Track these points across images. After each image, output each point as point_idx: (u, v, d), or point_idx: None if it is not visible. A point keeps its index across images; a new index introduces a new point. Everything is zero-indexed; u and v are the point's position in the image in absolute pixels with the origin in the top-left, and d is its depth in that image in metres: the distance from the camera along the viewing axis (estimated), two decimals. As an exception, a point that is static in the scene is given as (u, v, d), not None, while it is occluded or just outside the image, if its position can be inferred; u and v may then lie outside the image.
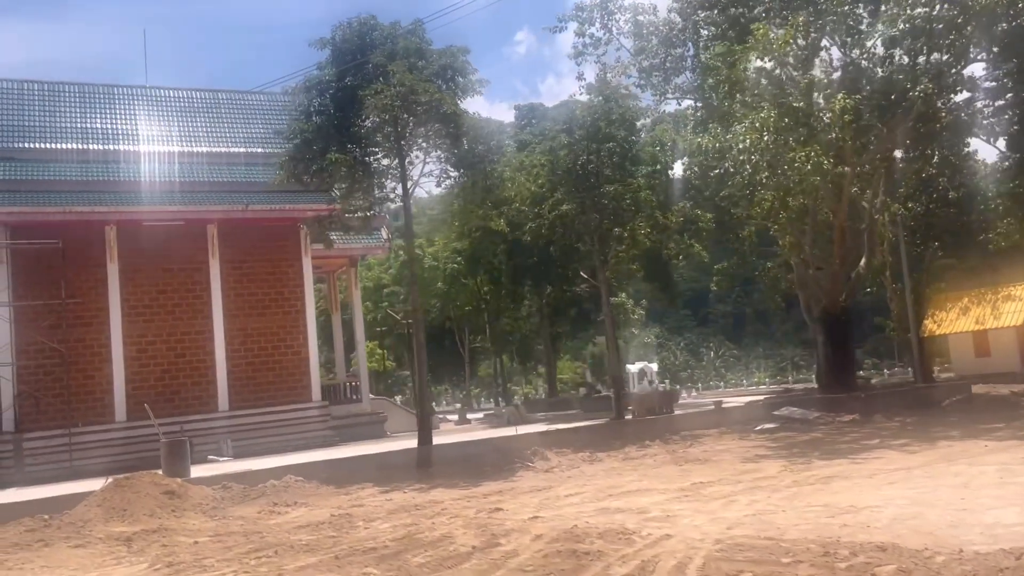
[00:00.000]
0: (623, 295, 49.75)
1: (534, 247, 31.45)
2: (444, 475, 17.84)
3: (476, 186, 20.18)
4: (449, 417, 37.88)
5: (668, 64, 27.75)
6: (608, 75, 27.37)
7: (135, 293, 27.42)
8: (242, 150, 30.22)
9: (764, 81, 20.38)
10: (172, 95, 31.29)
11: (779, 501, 11.30)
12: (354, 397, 31.67)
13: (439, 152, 19.69)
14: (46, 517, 15.48)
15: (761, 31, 19.73)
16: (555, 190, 22.40)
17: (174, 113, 30.59)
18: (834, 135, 18.60)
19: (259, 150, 30.54)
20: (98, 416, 26.45)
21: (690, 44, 28.49)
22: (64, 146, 28.03)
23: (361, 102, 19.56)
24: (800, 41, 20.18)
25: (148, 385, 27.23)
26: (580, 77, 28.54)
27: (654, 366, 49.88)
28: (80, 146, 28.12)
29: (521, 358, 59.88)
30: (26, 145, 27.59)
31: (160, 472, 16.12)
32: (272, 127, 31.75)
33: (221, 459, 25.26)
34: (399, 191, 21.15)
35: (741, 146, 18.07)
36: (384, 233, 32.05)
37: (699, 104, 27.16)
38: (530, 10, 67.52)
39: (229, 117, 31.25)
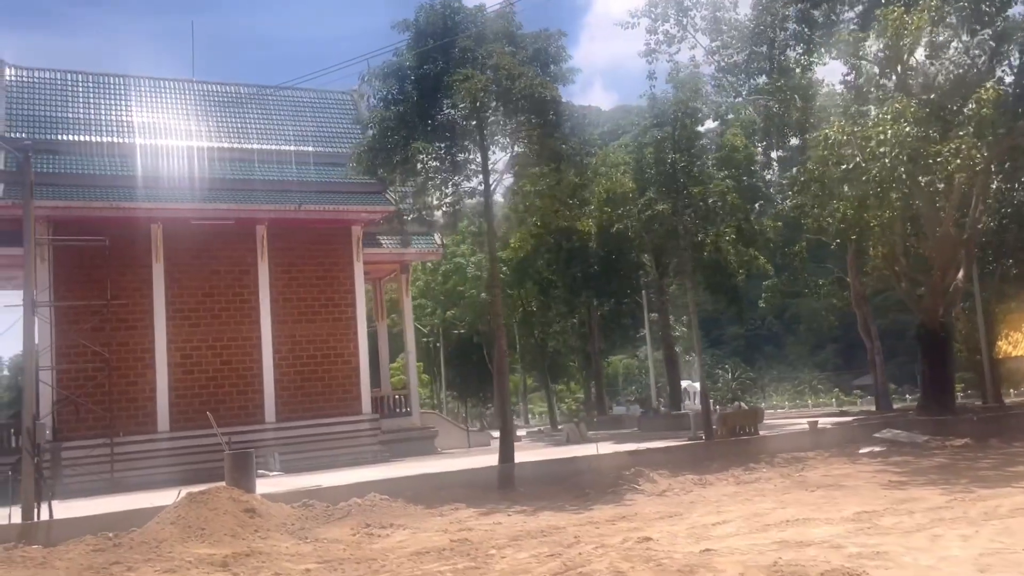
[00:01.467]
0: (661, 311, 48.13)
1: (594, 256, 29.91)
2: (537, 496, 16.20)
3: (562, 182, 18.59)
4: (495, 435, 36.08)
5: (748, 63, 26.29)
6: (681, 74, 25.90)
7: (180, 295, 25.89)
8: (291, 148, 28.76)
9: (888, 70, 18.85)
10: (219, 90, 29.92)
11: (1001, 537, 9.64)
12: (403, 410, 29.98)
13: (529, 144, 18.11)
14: (111, 535, 13.84)
15: (895, 14, 18.25)
16: (645, 189, 20.82)
17: (221, 108, 29.19)
18: (971, 129, 17.04)
19: (309, 148, 29.14)
20: (140, 425, 24.82)
21: (767, 45, 27.05)
22: (108, 139, 26.58)
23: (446, 89, 18.09)
24: (929, 28, 18.66)
25: (192, 393, 25.63)
26: (651, 76, 27.09)
27: (697, 385, 48.49)
28: (124, 140, 26.66)
29: (552, 375, 58.03)
30: (69, 138, 26.17)
31: (233, 487, 14.48)
32: (322, 125, 30.44)
33: (271, 474, 23.59)
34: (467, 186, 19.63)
35: (881, 137, 16.54)
36: (437, 238, 30.52)
37: (776, 106, 25.61)
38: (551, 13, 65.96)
39: (278, 113, 29.82)
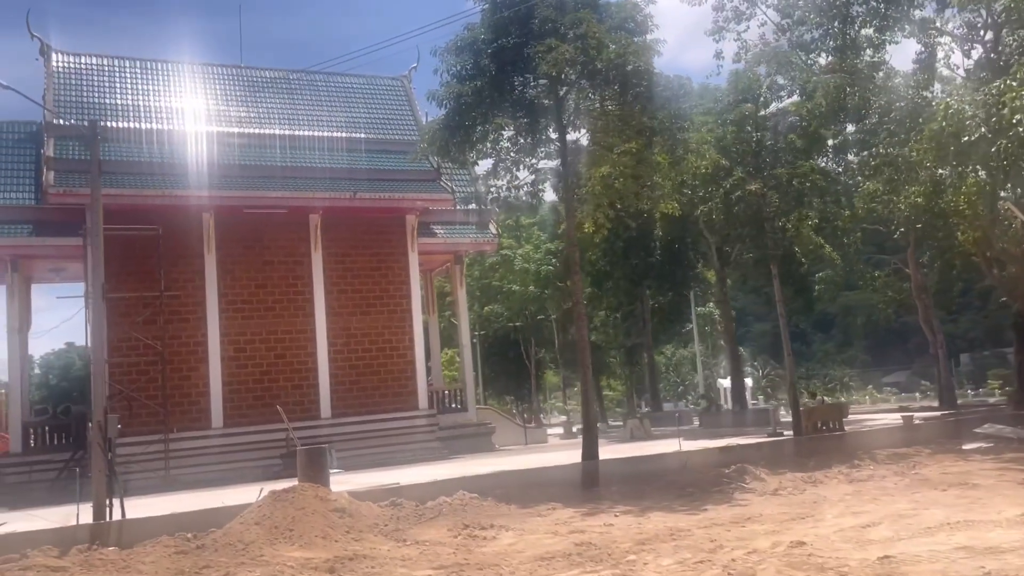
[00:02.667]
0: (710, 304, 46.80)
1: (657, 245, 28.71)
2: (633, 495, 15.09)
3: (644, 161, 17.36)
4: (551, 431, 35.03)
5: (820, 41, 25.01)
6: (749, 53, 24.66)
7: (233, 287, 25.01)
8: (343, 135, 27.75)
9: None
10: (268, 75, 28.98)
11: None
12: (458, 406, 28.93)
13: (615, 119, 16.95)
14: (189, 536, 12.89)
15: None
16: (731, 169, 19.58)
17: (271, 94, 28.27)
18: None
19: (361, 135, 28.14)
20: (192, 421, 23.96)
21: (839, 21, 25.75)
22: (156, 126, 25.69)
23: (526, 62, 17.01)
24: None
25: (246, 388, 24.74)
26: (718, 55, 25.91)
27: (748, 380, 47.11)
28: (173, 127, 25.75)
29: (593, 371, 56.74)
30: (117, 124, 25.30)
31: (318, 485, 13.48)
32: (373, 111, 29.45)
33: (332, 471, 22.59)
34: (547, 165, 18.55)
35: (1017, 103, 15.25)
36: (492, 228, 29.44)
37: (847, 87, 24.25)
38: None
39: (328, 100, 28.88)
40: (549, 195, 23.90)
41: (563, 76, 16.46)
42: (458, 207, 28.30)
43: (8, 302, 23.95)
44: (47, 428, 24.22)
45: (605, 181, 17.71)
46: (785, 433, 22.24)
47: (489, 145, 17.53)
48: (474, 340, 54.76)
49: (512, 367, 57.95)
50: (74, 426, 24.40)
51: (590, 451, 17.58)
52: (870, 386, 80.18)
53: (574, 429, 32.33)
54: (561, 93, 17.48)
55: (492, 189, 18.18)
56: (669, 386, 60.09)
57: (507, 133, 16.83)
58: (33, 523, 14.33)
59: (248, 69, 28.79)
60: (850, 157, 27.32)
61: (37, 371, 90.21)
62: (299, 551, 11.37)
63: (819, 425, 21.77)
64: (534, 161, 18.39)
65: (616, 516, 13.05)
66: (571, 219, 18.28)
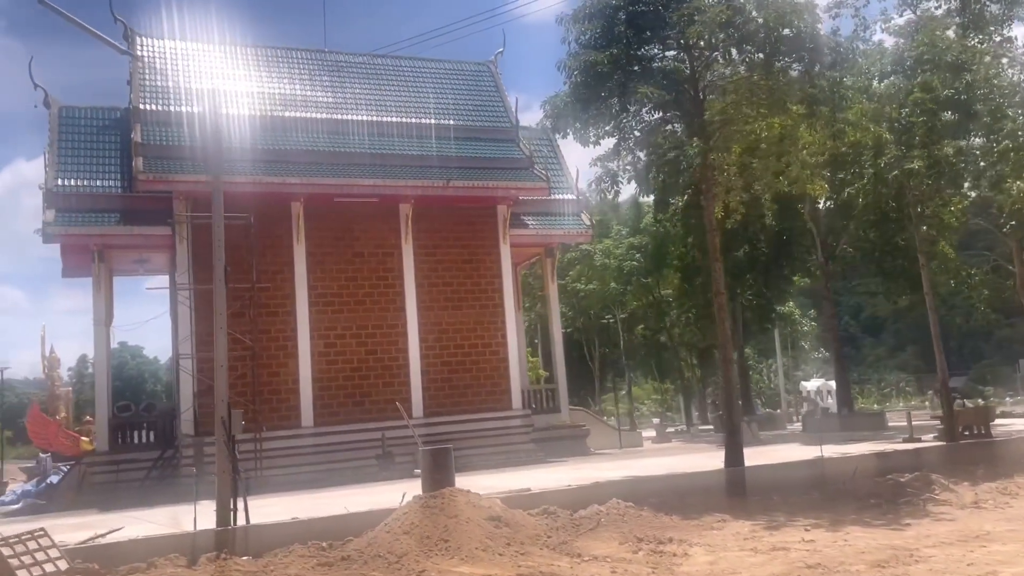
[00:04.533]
0: (790, 304, 44.70)
1: (758, 239, 26.98)
2: (804, 506, 13.58)
3: (786, 137, 15.70)
4: (646, 434, 33.40)
5: (944, 17, 23.03)
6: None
7: (323, 279, 23.85)
8: (431, 121, 26.47)
9: None
10: (353, 60, 27.82)
11: None
12: (551, 406, 27.44)
13: (764, 89, 15.33)
14: (324, 545, 11.57)
15: None
16: (882, 145, 17.74)
17: (356, 79, 27.12)
18: None
19: (449, 121, 26.85)
20: (283, 420, 22.81)
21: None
22: (243, 112, 24.62)
23: (663, 27, 15.53)
24: None
25: (336, 385, 23.55)
26: (835, 32, 23.97)
27: (832, 383, 44.88)
28: (258, 112, 24.68)
29: (660, 373, 54.97)
30: (203, 109, 24.25)
31: (467, 490, 12.06)
32: (460, 97, 28.13)
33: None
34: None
35: None
36: (585, 218, 27.95)
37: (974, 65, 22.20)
38: None
39: (414, 85, 27.61)
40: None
41: (714, 41, 14.91)
42: (553, 195, 26.97)
43: (95, 294, 23.04)
44: (132, 426, 23.25)
45: (743, 160, 16.13)
46: (924, 439, 20.42)
47: (628, 118, 16.03)
48: (536, 340, 53.49)
49: (574, 369, 56.39)
50: (159, 424, 23.44)
51: (735, 457, 15.95)
52: (929, 391, 77.18)
53: (668, 431, 30.68)
54: (705, 60, 15.93)
55: (623, 168, 16.66)
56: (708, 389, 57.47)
57: (649, 104, 15.29)
58: (143, 528, 13.16)
59: (332, 53, 27.66)
60: (976, 140, 25.29)
61: (90, 370, 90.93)
62: (464, 566, 9.97)
63: (963, 430, 19.91)
64: (662, 139, 16.82)
65: (807, 531, 11.45)
66: (710, 202, 16.69)
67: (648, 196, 23.04)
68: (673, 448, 27.42)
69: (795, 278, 30.49)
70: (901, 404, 71.59)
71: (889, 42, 20.45)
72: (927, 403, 70.18)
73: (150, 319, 67.50)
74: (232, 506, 12.31)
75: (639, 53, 16.11)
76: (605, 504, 12.90)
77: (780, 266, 28.80)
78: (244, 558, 11.25)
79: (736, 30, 14.82)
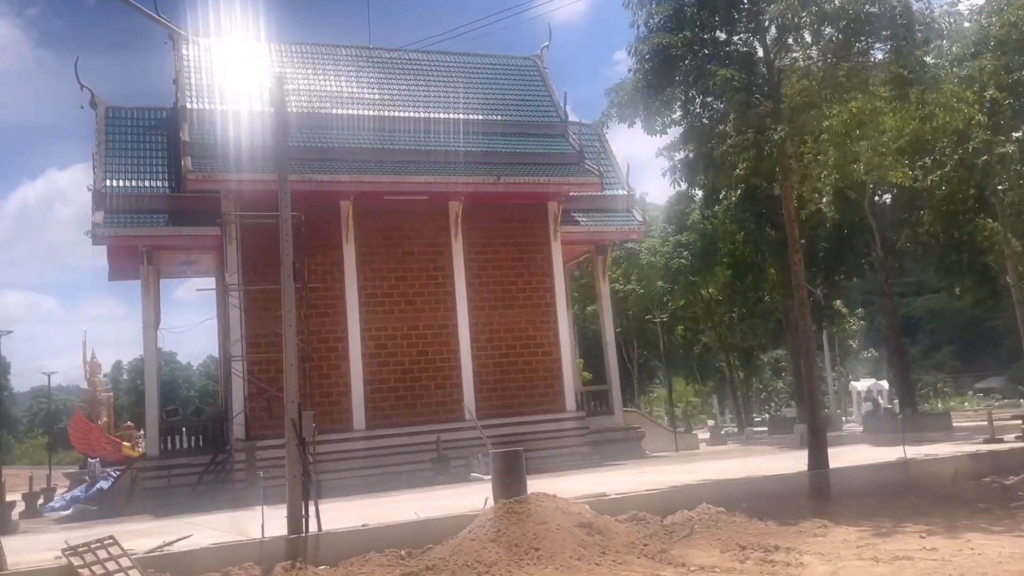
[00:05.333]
0: (838, 301, 43.51)
1: (818, 234, 26.03)
2: (905, 510, 12.76)
3: (871, 122, 14.84)
4: (701, 436, 32.54)
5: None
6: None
7: (372, 279, 23.34)
8: (479, 117, 25.88)
9: None
10: (398, 56, 27.33)
11: None
12: (603, 408, 26.70)
13: (845, 71, 14.53)
14: (402, 553, 10.97)
15: None
16: (970, 128, 16.72)
17: (402, 76, 26.64)
18: None
19: (497, 117, 26.26)
20: (334, 423, 22.27)
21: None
22: (288, 109, 24.11)
23: (737, 8, 14.81)
24: None
25: (388, 387, 23.01)
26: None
27: (884, 383, 43.62)
28: (306, 110, 24.23)
29: (702, 374, 53.93)
30: (248, 108, 23.86)
31: (554, 495, 11.39)
32: (507, 92, 27.55)
33: (485, 477, 20.63)
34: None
35: None
36: (637, 215, 27.21)
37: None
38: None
39: (460, 81, 27.02)
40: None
41: (796, 20, 14.14)
42: (604, 191, 26.25)
43: (143, 297, 22.72)
44: (181, 430, 22.87)
45: (820, 146, 15.33)
46: (1006, 438, 19.46)
47: (696, 106, 15.31)
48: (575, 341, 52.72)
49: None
50: (209, 428, 23.05)
51: (819, 459, 15.11)
52: (970, 392, 75.21)
53: (723, 433, 29.79)
54: (779, 42, 15.17)
55: (691, 156, 15.93)
56: (751, 391, 55.89)
57: (727, 90, 14.50)
58: (209, 535, 12.62)
59: (378, 50, 27.21)
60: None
61: (125, 376, 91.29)
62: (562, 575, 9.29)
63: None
64: (742, 124, 16.00)
65: (923, 537, 10.65)
66: (788, 191, 15.90)
67: (723, 187, 22.15)
68: (732, 451, 26.56)
69: (853, 275, 29.38)
70: (940, 405, 69.82)
71: (967, 22, 19.48)
72: (966, 403, 68.51)
73: (200, 322, 66.42)
74: (304, 512, 11.73)
75: (711, 36, 15.36)
76: (695, 510, 12.18)
77: (841, 261, 27.83)
78: (321, 567, 10.67)
79: (818, 5, 14.02)
